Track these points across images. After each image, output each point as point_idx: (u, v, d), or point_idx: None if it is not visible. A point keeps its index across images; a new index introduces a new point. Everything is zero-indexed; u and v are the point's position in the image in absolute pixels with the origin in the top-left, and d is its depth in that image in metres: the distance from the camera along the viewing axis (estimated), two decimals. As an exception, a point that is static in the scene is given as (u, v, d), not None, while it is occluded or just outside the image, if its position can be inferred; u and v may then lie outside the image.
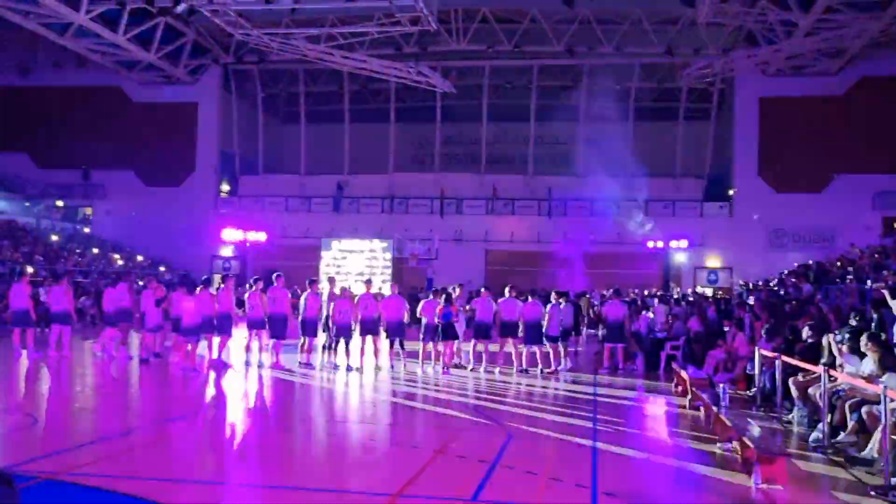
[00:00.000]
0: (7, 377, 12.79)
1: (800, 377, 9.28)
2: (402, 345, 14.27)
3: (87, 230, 36.38)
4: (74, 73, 35.25)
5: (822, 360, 8.83)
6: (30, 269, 21.67)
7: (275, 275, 14.56)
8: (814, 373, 8.71)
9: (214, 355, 13.81)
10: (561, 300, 14.93)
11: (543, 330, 14.32)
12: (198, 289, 13.88)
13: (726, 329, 14.71)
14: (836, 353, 8.80)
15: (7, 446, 7.66)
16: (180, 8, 28.03)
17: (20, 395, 11.39)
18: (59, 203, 36.24)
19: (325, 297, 14.56)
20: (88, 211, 37.32)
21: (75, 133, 35.89)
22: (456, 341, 14.57)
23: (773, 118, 32.39)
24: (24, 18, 27.81)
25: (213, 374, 13.06)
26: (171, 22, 30.90)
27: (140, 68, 34.65)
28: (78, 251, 31.94)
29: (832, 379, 8.21)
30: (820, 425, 8.10)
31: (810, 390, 8.74)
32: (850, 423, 7.57)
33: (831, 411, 7.95)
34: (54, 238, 32.24)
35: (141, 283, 18.75)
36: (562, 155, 37.11)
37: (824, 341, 9.27)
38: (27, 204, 34.33)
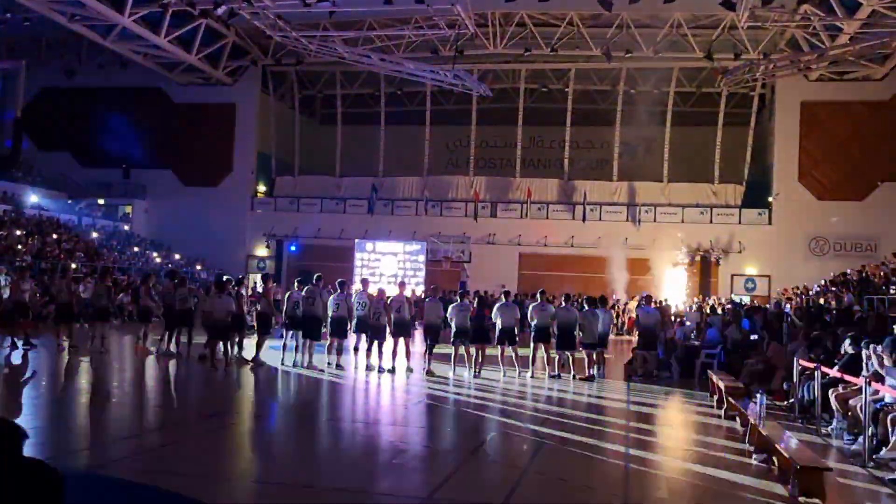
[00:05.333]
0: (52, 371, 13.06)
1: (840, 389, 9.07)
2: (431, 349, 14.16)
3: (126, 228, 37.04)
4: (117, 74, 35.86)
5: (863, 373, 8.63)
6: (73, 266, 22.11)
7: (315, 276, 14.63)
8: (855, 384, 8.51)
9: (252, 355, 13.92)
10: (595, 306, 14.80)
11: (577, 335, 14.21)
12: (231, 288, 14.05)
13: (754, 337, 14.48)
14: (876, 365, 8.58)
15: (47, 439, 7.80)
16: (221, 10, 28.42)
17: (60, 389, 11.62)
18: (101, 201, 36.98)
19: (355, 299, 14.57)
20: (128, 209, 38.01)
21: (117, 133, 36.66)
22: (488, 345, 14.49)
23: (815, 123, 31.81)
24: (70, 21, 28.42)
25: (250, 374, 13.17)
26: (212, 24, 31.37)
27: (181, 70, 35.20)
28: (118, 248, 32.55)
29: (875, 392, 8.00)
30: (860, 438, 7.91)
31: (851, 402, 8.54)
32: (893, 439, 7.38)
33: (873, 425, 7.75)
34: (95, 235, 32.87)
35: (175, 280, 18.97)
36: (598, 159, 36.91)
37: (864, 353, 9.05)
38: (70, 201, 35.08)
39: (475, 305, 14.24)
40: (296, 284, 14.67)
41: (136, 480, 6.16)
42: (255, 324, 14.51)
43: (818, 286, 25.44)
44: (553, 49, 31.56)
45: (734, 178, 34.19)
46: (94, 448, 7.38)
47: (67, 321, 15.26)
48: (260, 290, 14.81)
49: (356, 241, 33.85)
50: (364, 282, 15.45)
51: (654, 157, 34.94)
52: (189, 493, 5.82)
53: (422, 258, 33.05)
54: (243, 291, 14.82)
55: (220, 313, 13.37)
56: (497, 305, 14.77)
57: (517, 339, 14.48)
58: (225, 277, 15.89)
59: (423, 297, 22.01)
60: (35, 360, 13.55)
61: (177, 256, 34.21)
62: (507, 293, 15.66)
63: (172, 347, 14.90)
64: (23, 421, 7.90)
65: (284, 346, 14.36)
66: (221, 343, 13.52)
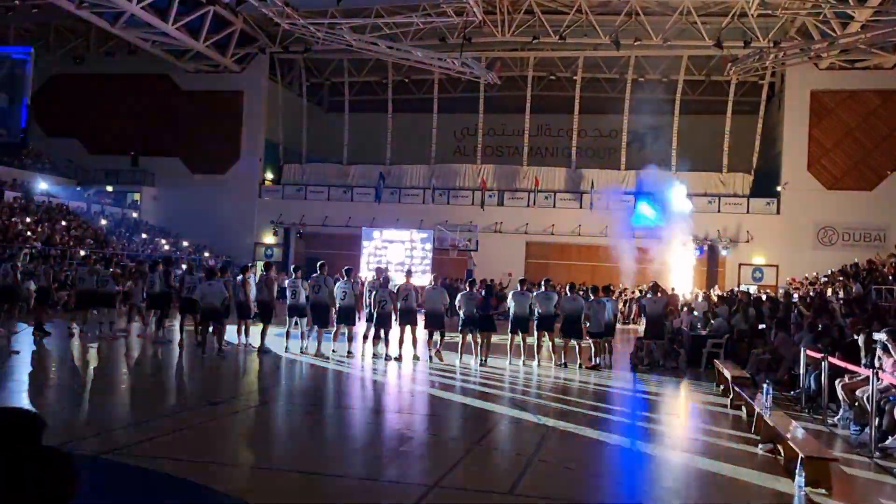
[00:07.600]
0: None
1: (846, 378, 9.06)
2: (441, 335, 14.19)
3: (135, 215, 37.18)
4: (125, 61, 36.01)
5: (864, 362, 8.61)
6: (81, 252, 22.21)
7: (319, 263, 14.65)
8: (861, 374, 8.49)
9: (258, 342, 13.97)
10: (601, 295, 14.80)
11: (584, 324, 14.21)
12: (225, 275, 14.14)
13: (762, 327, 14.45)
14: (882, 354, 8.55)
15: (56, 425, 7.87)
16: (229, -2, 28.42)
17: (70, 373, 11.71)
18: (109, 188, 37.12)
19: (365, 287, 14.61)
20: (137, 196, 38.13)
21: (125, 119, 36.78)
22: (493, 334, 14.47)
23: (825, 112, 31.59)
24: (78, 8, 28.44)
25: (256, 361, 13.23)
26: (220, 11, 31.33)
27: (188, 57, 35.22)
28: (126, 236, 32.68)
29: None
30: (867, 429, 7.91)
31: (858, 392, 8.52)
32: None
33: (879, 415, 7.74)
34: (103, 222, 33.00)
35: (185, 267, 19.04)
36: (605, 148, 36.80)
37: (860, 340, 9.05)
38: (78, 188, 35.21)
39: (482, 294, 14.23)
40: (292, 272, 14.86)
41: (144, 466, 6.21)
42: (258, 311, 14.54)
43: (825, 276, 25.35)
44: (561, 37, 31.40)
45: (743, 167, 33.99)
46: (101, 434, 7.43)
47: (87, 308, 15.33)
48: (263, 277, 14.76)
49: (363, 228, 33.89)
50: (378, 270, 15.45)
51: (662, 146, 34.78)
52: (196, 479, 5.87)
53: (429, 246, 33.07)
54: (250, 279, 14.83)
55: (211, 299, 13.33)
56: (511, 293, 14.74)
57: (527, 327, 14.46)
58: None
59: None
60: (53, 347, 13.65)
61: (185, 244, 34.34)
62: (522, 281, 15.58)
63: (176, 333, 14.97)
64: (32, 406, 8.00)
65: (287, 333, 14.42)
66: (219, 329, 13.46)
